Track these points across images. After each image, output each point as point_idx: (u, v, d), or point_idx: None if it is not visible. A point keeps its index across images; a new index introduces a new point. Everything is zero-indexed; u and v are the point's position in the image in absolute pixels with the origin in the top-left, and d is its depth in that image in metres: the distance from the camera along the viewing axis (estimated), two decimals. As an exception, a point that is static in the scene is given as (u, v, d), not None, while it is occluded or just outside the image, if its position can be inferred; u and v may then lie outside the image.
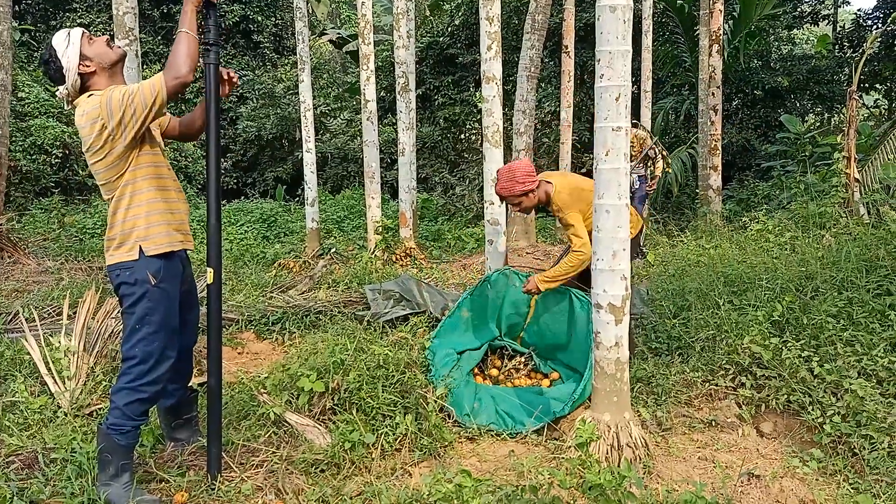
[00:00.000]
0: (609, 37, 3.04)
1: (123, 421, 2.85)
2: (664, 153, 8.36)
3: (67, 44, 2.82)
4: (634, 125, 8.50)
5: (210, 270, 2.96)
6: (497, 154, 4.92)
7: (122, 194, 2.85)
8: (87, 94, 2.83)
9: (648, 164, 8.24)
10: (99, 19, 15.89)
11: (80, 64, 2.83)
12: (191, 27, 2.77)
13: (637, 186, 8.12)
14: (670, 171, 9.50)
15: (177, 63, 2.71)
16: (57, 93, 2.92)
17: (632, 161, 7.43)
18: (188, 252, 3.15)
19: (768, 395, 3.72)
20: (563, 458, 3.22)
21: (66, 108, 2.93)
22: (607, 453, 3.11)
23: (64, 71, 2.82)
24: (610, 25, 3.02)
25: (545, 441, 3.53)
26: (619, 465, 3.03)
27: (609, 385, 3.22)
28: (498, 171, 4.22)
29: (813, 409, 3.46)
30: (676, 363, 4.18)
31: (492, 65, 4.84)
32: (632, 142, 7.55)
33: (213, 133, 2.93)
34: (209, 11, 2.90)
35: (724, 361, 3.98)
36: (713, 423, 3.64)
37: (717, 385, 3.91)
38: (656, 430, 3.57)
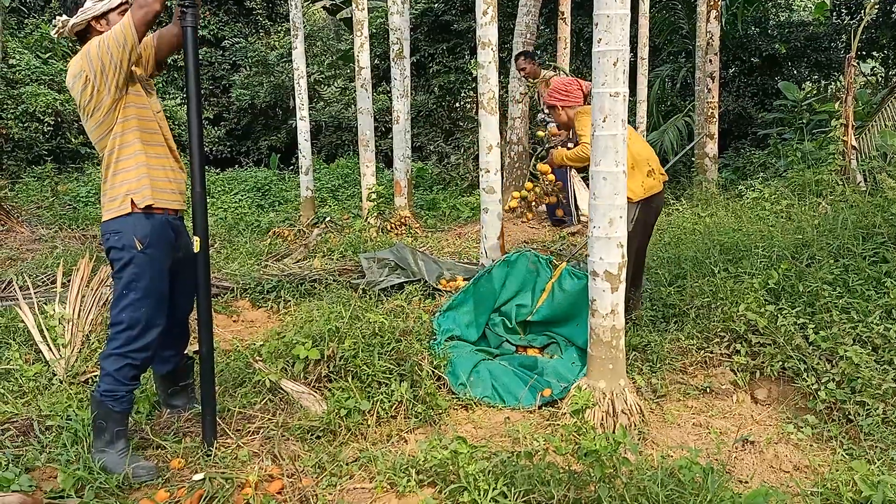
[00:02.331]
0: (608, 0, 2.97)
1: (116, 387, 2.85)
2: None
3: None
4: (552, 68, 8.07)
5: (197, 239, 2.92)
6: (493, 121, 4.86)
7: (112, 148, 2.85)
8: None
9: None
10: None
11: (95, 19, 2.84)
12: None
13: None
14: None
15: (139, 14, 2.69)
16: (55, 20, 2.90)
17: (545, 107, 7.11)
18: (183, 219, 3.11)
19: (763, 363, 3.73)
20: (558, 424, 3.23)
21: (52, 34, 2.92)
22: (602, 420, 3.13)
23: (80, 10, 2.84)
24: (609, -13, 2.96)
25: (540, 408, 3.54)
26: (614, 432, 3.04)
27: (605, 352, 3.22)
28: (556, 82, 4.35)
29: (808, 376, 3.48)
30: (672, 331, 4.19)
31: (487, 30, 4.76)
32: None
33: (193, 98, 2.87)
34: None
35: (719, 329, 3.99)
36: (708, 389, 3.66)
37: (711, 352, 3.91)
38: (651, 397, 3.59)
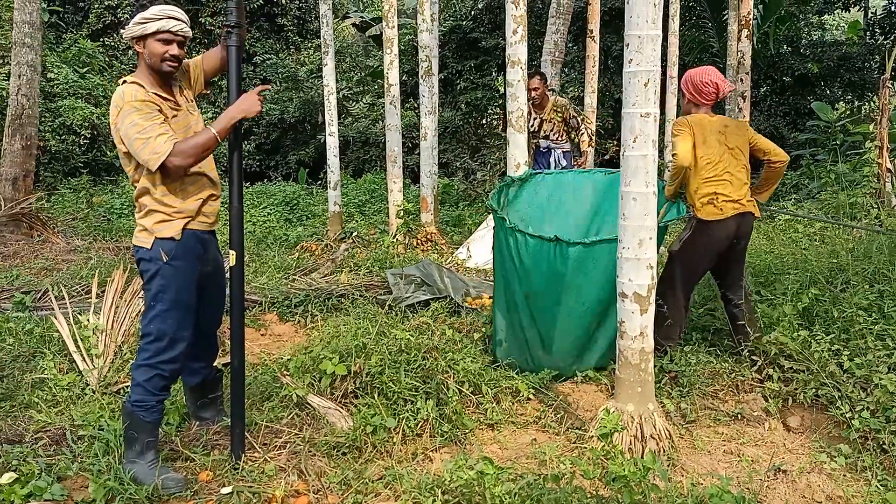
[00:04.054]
0: (639, 20, 2.98)
1: (146, 397, 2.89)
2: (588, 123, 7.38)
3: (151, 19, 2.84)
4: (552, 91, 7.74)
5: (232, 253, 2.97)
6: (521, 139, 4.88)
7: (144, 187, 2.90)
8: (122, 81, 2.90)
9: (573, 136, 7.24)
10: (127, 1, 15.96)
11: (134, 38, 2.88)
12: (220, 132, 2.86)
13: (564, 164, 7.17)
14: (593, 146, 8.06)
15: (188, 150, 2.80)
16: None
17: (553, 134, 7.01)
18: (214, 232, 3.15)
19: (796, 389, 3.66)
20: (585, 447, 3.20)
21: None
22: (631, 444, 3.09)
23: (130, 23, 2.91)
24: (640, 9, 2.96)
25: (567, 430, 3.51)
26: (642, 457, 3.00)
27: (633, 375, 3.19)
28: (697, 71, 4.04)
29: (842, 404, 3.40)
30: (702, 353, 4.13)
31: (517, 48, 4.78)
32: (557, 109, 7.01)
33: None
34: None
35: (751, 353, 3.93)
36: (739, 416, 3.60)
37: (743, 377, 3.86)
38: (681, 422, 3.53)
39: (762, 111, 13.30)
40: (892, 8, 14.58)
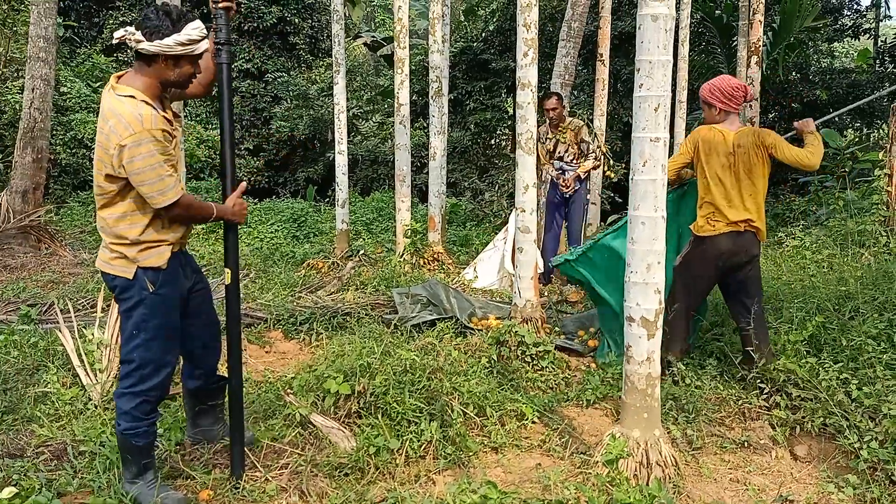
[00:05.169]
0: (650, 46, 2.99)
1: (136, 423, 2.81)
2: (605, 150, 6.99)
3: (198, 40, 2.66)
4: (572, 114, 7.55)
5: (227, 271, 2.95)
6: (529, 161, 4.88)
7: (124, 207, 2.72)
8: (127, 94, 2.66)
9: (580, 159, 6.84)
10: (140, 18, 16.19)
11: (166, 55, 2.64)
12: (216, 217, 2.86)
13: (576, 188, 6.77)
14: (613, 175, 7.62)
15: (189, 208, 2.76)
16: (126, 30, 2.65)
17: (567, 155, 6.81)
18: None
19: (804, 417, 3.62)
20: (590, 473, 3.16)
21: (115, 37, 2.68)
22: (636, 471, 3.05)
23: (154, 35, 2.61)
24: (651, 34, 2.97)
25: (571, 454, 3.47)
26: (648, 484, 2.97)
27: (639, 400, 3.16)
28: (721, 80, 4.09)
29: (850, 434, 3.36)
30: (708, 379, 4.09)
31: (528, 71, 4.81)
32: (571, 129, 6.75)
33: (227, 134, 2.90)
34: (220, 11, 2.87)
35: (758, 380, 3.89)
36: (746, 443, 3.55)
37: (750, 404, 3.82)
38: (686, 449, 3.49)
39: (770, 137, 13.31)
40: (902, 36, 14.60)
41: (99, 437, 3.31)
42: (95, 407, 3.72)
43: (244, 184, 3.02)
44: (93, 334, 4.18)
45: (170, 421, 3.46)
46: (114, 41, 2.71)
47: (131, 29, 2.64)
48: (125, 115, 2.61)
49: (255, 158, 16.74)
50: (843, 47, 20.00)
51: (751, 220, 3.94)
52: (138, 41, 2.62)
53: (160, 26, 2.62)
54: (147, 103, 2.67)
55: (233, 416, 3.04)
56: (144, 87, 2.70)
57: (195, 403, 3.33)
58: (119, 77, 2.76)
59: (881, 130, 13.53)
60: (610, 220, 11.12)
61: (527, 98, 4.83)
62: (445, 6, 8.74)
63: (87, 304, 5.52)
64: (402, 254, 7.70)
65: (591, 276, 4.65)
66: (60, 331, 4.26)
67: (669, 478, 3.10)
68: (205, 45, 2.72)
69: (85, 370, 3.95)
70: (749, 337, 3.99)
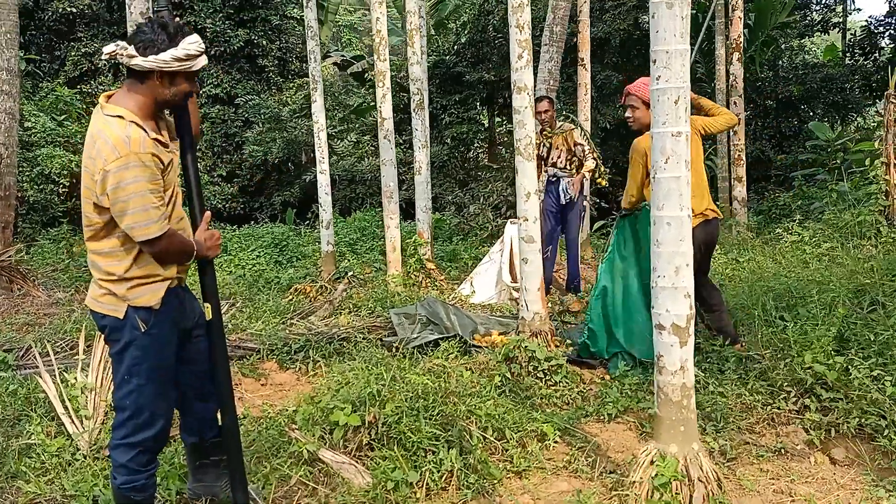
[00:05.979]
0: (666, 35, 2.82)
1: (134, 476, 2.58)
2: (595, 155, 6.76)
3: (196, 55, 2.44)
4: (565, 117, 7.41)
5: (207, 306, 2.69)
6: (529, 167, 4.69)
7: (113, 242, 2.49)
8: (116, 114, 2.44)
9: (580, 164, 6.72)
10: (102, 47, 15.87)
11: (161, 70, 2.40)
12: (199, 252, 2.60)
13: (571, 195, 6.62)
14: (604, 182, 7.57)
15: (171, 245, 2.48)
16: (117, 45, 2.41)
17: (561, 161, 6.66)
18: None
19: (837, 419, 3.46)
20: (626, 494, 2.95)
21: (105, 52, 2.42)
22: (677, 489, 2.84)
23: (149, 50, 2.37)
24: (667, 23, 2.80)
25: (601, 475, 3.26)
26: (691, 503, 2.77)
27: (675, 413, 2.95)
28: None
29: (890, 433, 3.20)
30: (731, 385, 3.92)
31: (523, 74, 4.63)
32: (562, 133, 6.64)
33: (192, 171, 2.64)
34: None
35: (785, 383, 3.73)
36: (781, 450, 3.37)
37: (779, 409, 3.65)
38: (721, 461, 3.30)
39: (747, 135, 13.33)
40: (872, 28, 14.79)
41: (91, 490, 3.03)
42: (84, 457, 3.42)
43: (208, 213, 2.70)
44: (76, 378, 3.88)
45: (166, 468, 3.18)
46: (104, 57, 2.43)
47: (123, 43, 2.39)
48: (111, 138, 2.36)
49: (228, 185, 16.40)
50: (813, 43, 20.26)
51: (710, 207, 4.25)
52: (131, 56, 2.37)
53: (155, 40, 2.37)
54: (137, 124, 2.42)
55: (231, 461, 2.77)
56: (137, 106, 2.46)
57: (196, 458, 3.03)
58: (109, 96, 2.51)
59: (856, 123, 13.64)
60: (596, 226, 11.00)
61: (523, 102, 4.65)
62: (422, 18, 8.58)
63: (67, 345, 5.20)
64: (410, 271, 7.49)
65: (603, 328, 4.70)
66: (41, 376, 3.96)
67: (712, 494, 2.90)
68: (203, 60, 2.48)
69: (70, 418, 3.66)
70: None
